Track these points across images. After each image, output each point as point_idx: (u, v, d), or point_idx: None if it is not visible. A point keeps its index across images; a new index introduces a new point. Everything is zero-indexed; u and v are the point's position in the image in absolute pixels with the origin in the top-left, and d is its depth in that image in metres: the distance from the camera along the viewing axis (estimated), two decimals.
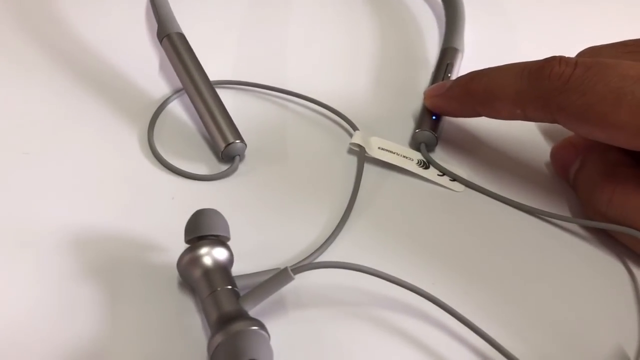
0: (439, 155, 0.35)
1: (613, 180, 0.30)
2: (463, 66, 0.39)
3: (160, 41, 0.37)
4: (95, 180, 0.32)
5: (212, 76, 0.36)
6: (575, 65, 0.28)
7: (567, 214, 0.32)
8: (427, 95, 0.35)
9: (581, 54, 0.33)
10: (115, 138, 0.34)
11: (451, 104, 0.34)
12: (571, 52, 0.35)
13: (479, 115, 0.33)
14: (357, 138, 0.34)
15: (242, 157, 0.33)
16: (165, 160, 0.33)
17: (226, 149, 0.32)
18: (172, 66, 0.36)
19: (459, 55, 0.39)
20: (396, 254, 0.30)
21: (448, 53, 0.39)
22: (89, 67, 0.38)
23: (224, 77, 0.38)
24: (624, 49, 0.31)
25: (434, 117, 0.35)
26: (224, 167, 0.33)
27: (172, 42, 0.36)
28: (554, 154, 0.34)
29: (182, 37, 0.37)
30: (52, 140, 0.33)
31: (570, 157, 0.33)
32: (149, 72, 0.38)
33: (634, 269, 0.30)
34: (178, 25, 0.37)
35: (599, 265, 0.30)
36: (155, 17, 0.38)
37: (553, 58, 0.29)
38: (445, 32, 0.42)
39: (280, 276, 0.25)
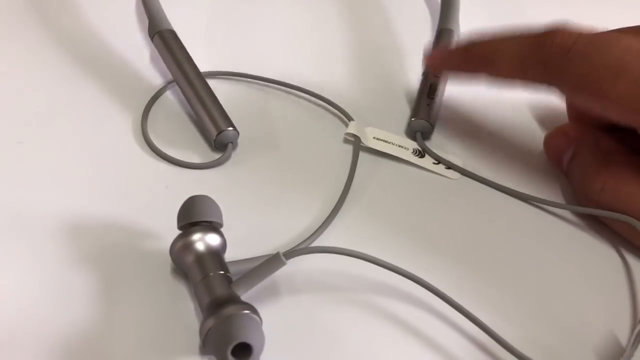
0: (435, 143, 0.35)
1: (605, 168, 0.30)
2: None
3: (152, 38, 0.37)
4: (89, 169, 0.32)
5: (204, 67, 0.36)
6: (579, 36, 0.28)
7: (561, 201, 0.32)
8: (428, 54, 0.35)
9: None
10: (109, 127, 0.34)
11: (452, 60, 0.34)
12: None
13: (479, 74, 0.32)
14: (352, 128, 0.34)
15: (235, 145, 0.33)
16: (158, 149, 0.33)
17: (218, 136, 0.32)
18: (164, 61, 0.36)
19: (454, 36, 0.39)
20: (389, 240, 0.30)
21: (443, 35, 0.39)
22: (83, 57, 0.38)
23: (216, 68, 0.38)
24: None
25: (428, 99, 0.35)
26: (217, 156, 0.33)
27: (162, 38, 0.36)
28: (546, 142, 0.34)
29: (172, 33, 0.37)
30: (46, 129, 0.33)
31: (562, 145, 0.33)
32: (143, 63, 0.38)
33: (627, 256, 0.30)
34: (168, 22, 0.38)
35: (593, 252, 0.30)
36: (146, 14, 0.38)
37: (556, 28, 0.29)
38: (441, 13, 0.42)
39: (272, 261, 0.25)
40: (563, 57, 0.28)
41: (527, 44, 0.30)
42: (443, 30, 0.39)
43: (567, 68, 0.28)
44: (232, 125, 0.33)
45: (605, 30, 0.31)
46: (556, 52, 0.28)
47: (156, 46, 0.37)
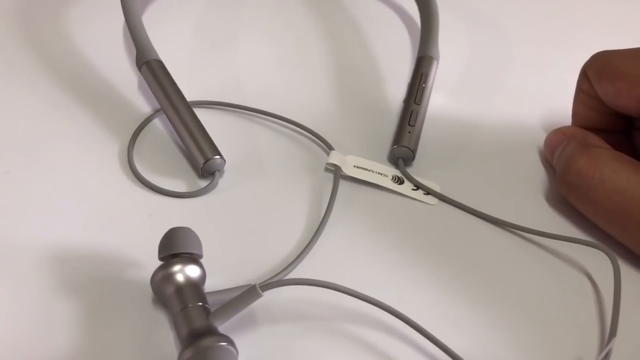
0: (416, 169, 0.36)
1: (586, 152, 0.32)
2: (439, 74, 0.40)
3: (139, 68, 0.38)
4: (74, 198, 0.32)
5: (191, 97, 0.36)
6: None
7: (536, 227, 0.33)
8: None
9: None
10: (95, 156, 0.35)
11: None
12: (550, 67, 0.35)
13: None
14: (333, 158, 0.35)
15: (221, 172, 0.34)
16: (144, 177, 0.34)
17: (205, 165, 0.33)
18: (152, 91, 0.37)
19: (434, 63, 0.40)
20: (366, 268, 0.31)
21: (423, 62, 0.40)
22: (72, 86, 0.39)
23: (202, 97, 0.39)
24: None
25: (409, 126, 0.36)
26: (204, 184, 0.34)
27: (150, 69, 0.37)
28: (546, 140, 0.37)
29: (159, 63, 0.37)
30: (33, 157, 0.34)
31: (557, 141, 0.36)
32: (131, 91, 0.39)
33: (599, 283, 0.31)
34: (155, 52, 0.38)
35: (565, 278, 0.31)
36: (134, 44, 0.39)
37: None
38: (420, 40, 0.43)
39: (248, 293, 0.26)
40: None
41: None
42: (423, 58, 0.40)
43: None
44: (219, 153, 0.34)
45: None
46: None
47: (144, 76, 0.38)
